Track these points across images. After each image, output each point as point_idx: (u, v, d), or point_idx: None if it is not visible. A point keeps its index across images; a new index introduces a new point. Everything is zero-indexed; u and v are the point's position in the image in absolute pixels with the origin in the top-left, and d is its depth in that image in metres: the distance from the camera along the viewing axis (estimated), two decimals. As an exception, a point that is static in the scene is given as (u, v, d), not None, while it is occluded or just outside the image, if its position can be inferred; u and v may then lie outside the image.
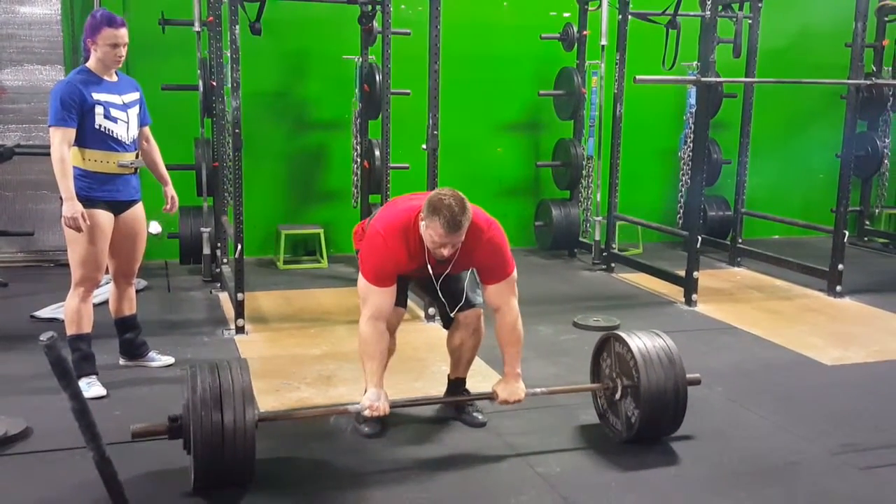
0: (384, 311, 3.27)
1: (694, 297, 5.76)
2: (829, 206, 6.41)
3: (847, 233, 6.07)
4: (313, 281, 6.45)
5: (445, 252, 3.15)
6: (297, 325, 5.26)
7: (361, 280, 3.31)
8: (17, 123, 6.48)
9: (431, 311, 5.10)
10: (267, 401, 3.84)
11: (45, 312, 5.17)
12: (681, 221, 7.57)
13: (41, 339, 1.77)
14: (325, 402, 3.86)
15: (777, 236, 8.34)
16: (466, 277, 3.51)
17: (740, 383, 4.27)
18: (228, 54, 4.88)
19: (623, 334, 3.51)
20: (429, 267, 3.29)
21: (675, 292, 5.96)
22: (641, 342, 3.44)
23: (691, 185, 6.21)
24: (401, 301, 3.53)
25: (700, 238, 5.85)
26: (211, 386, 2.91)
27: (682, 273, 5.86)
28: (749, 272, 6.93)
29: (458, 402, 3.71)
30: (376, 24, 6.35)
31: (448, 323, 3.64)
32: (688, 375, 3.45)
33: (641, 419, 3.36)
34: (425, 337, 4.90)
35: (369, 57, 6.61)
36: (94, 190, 3.81)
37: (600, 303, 5.84)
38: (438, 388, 3.87)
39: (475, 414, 3.67)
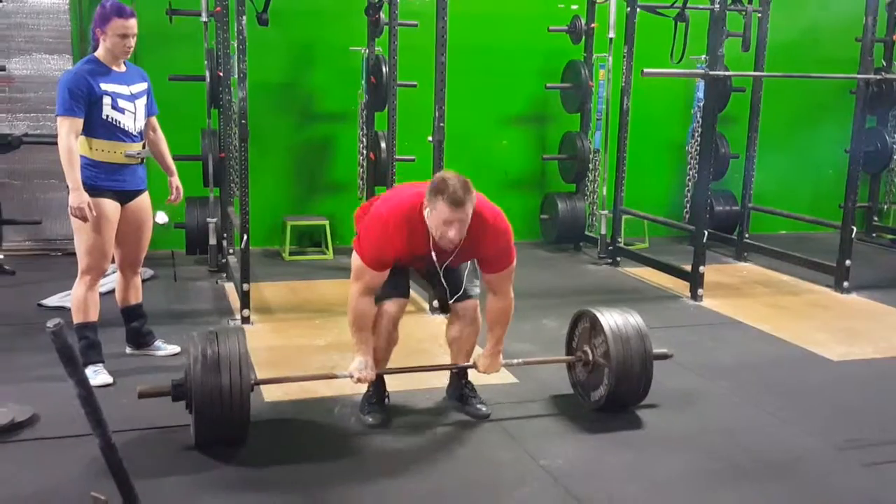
0: (376, 287, 3.36)
1: (700, 291, 5.75)
2: (838, 202, 6.39)
3: (855, 229, 6.04)
4: (318, 272, 6.45)
5: (451, 233, 3.13)
6: (302, 315, 5.27)
7: (356, 258, 3.33)
8: (25, 112, 6.50)
9: (435, 303, 5.10)
10: (271, 390, 3.85)
11: (52, 301, 5.19)
12: (687, 216, 7.54)
13: (48, 325, 1.78)
14: (328, 393, 3.87)
15: (784, 231, 8.31)
16: (466, 269, 3.53)
17: (745, 378, 4.26)
18: (235, 45, 4.88)
19: (595, 311, 3.69)
20: (433, 254, 3.29)
21: (680, 287, 5.95)
22: (612, 318, 3.67)
23: (698, 180, 6.20)
24: (403, 292, 3.54)
25: (707, 233, 5.83)
26: (210, 351, 3.14)
27: (689, 268, 5.85)
28: (756, 267, 6.91)
29: (445, 368, 3.78)
30: (383, 16, 6.34)
31: (447, 309, 3.66)
32: (655, 350, 3.68)
33: (610, 388, 3.58)
34: (429, 329, 4.90)
35: (376, 48, 6.60)
36: (101, 179, 3.82)
37: (605, 297, 5.84)
38: (441, 379, 3.88)
39: (479, 406, 3.67)
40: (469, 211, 3.14)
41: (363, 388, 3.67)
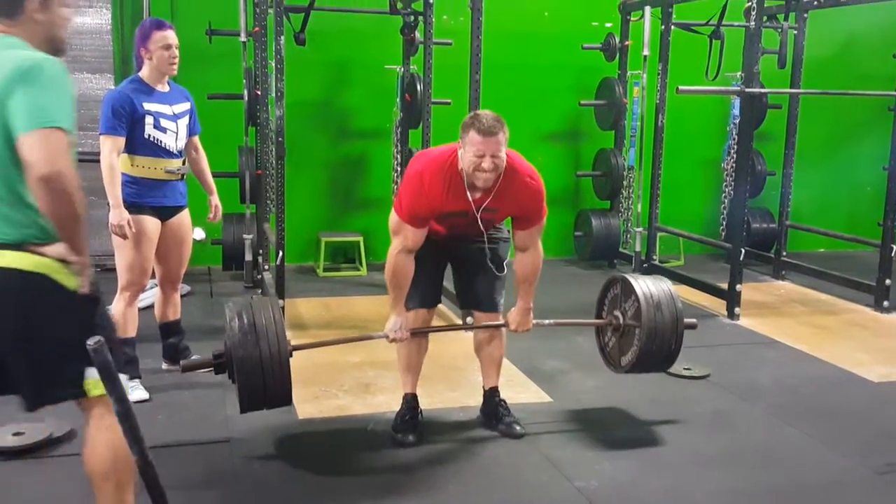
0: (416, 244, 3.34)
1: (737, 310, 5.68)
2: (877, 220, 6.29)
3: (894, 247, 5.94)
4: (352, 288, 6.49)
5: (485, 164, 3.14)
6: (336, 332, 5.28)
7: (394, 216, 3.37)
8: (67, 131, 6.61)
9: (469, 319, 5.09)
10: (305, 408, 3.87)
11: (90, 316, 5.25)
12: (724, 233, 7.48)
13: (88, 342, 1.80)
14: (363, 411, 3.88)
15: (822, 249, 8.20)
16: (491, 280, 3.55)
17: (784, 399, 4.20)
18: (273, 64, 4.94)
19: (629, 277, 3.73)
20: (471, 202, 3.29)
21: (717, 305, 5.89)
22: (645, 285, 3.68)
23: (735, 197, 6.15)
24: (432, 301, 3.60)
25: (743, 250, 5.77)
26: (248, 321, 3.19)
27: (725, 286, 5.78)
28: (793, 286, 6.82)
29: (469, 328, 3.77)
30: (418, 35, 6.38)
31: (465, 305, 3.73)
32: (686, 320, 3.67)
33: (640, 354, 3.60)
34: (463, 346, 4.88)
35: (411, 67, 6.65)
36: (142, 196, 3.88)
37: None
38: (476, 398, 3.87)
39: (513, 424, 3.66)
40: (502, 141, 3.16)
41: (396, 406, 3.68)
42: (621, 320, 3.75)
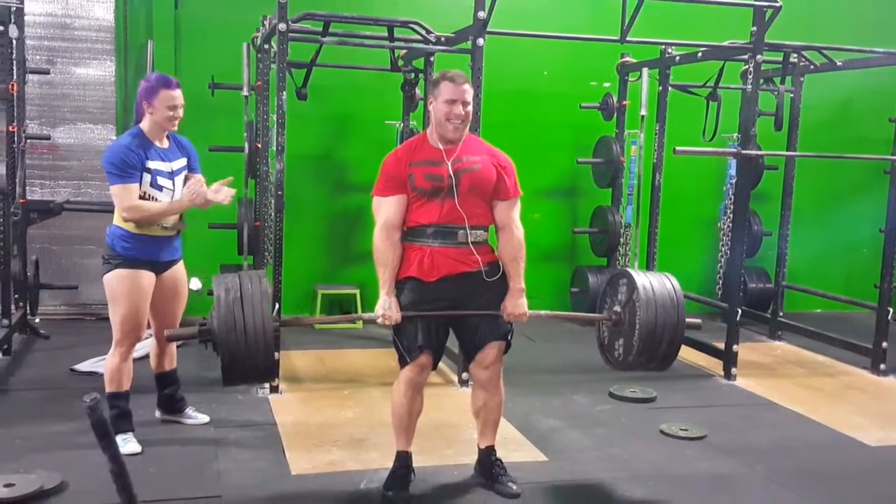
0: (395, 220, 3.50)
1: (734, 370, 5.65)
2: (873, 282, 6.31)
3: (891, 310, 5.95)
4: (348, 341, 6.46)
5: (457, 110, 3.37)
6: (330, 385, 5.26)
7: (374, 200, 3.56)
8: (67, 180, 6.66)
9: (465, 375, 5.07)
10: (299, 464, 3.84)
11: (84, 366, 5.23)
12: (720, 293, 7.48)
13: (84, 399, 1.80)
14: (356, 467, 3.84)
15: (819, 310, 8.20)
16: (483, 323, 3.50)
17: (781, 462, 4.16)
18: (275, 118, 4.99)
19: (632, 272, 3.74)
20: (441, 150, 3.45)
21: (714, 365, 5.87)
22: (647, 280, 3.68)
23: (731, 256, 6.17)
24: (425, 356, 3.48)
25: (740, 310, 5.77)
26: (234, 294, 3.20)
27: (722, 346, 5.77)
28: (790, 346, 6.80)
29: (466, 315, 3.54)
30: (419, 91, 6.47)
31: (468, 358, 3.62)
32: (689, 320, 3.69)
33: (639, 349, 3.61)
34: (458, 402, 4.86)
35: (411, 122, 6.72)
36: (138, 251, 3.87)
37: (637, 374, 5.67)
38: (471, 455, 3.82)
39: (509, 484, 3.61)
40: (469, 91, 3.41)
41: (390, 462, 3.62)
42: (621, 315, 3.74)
